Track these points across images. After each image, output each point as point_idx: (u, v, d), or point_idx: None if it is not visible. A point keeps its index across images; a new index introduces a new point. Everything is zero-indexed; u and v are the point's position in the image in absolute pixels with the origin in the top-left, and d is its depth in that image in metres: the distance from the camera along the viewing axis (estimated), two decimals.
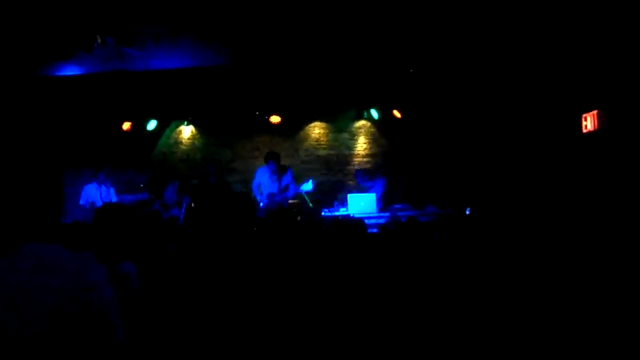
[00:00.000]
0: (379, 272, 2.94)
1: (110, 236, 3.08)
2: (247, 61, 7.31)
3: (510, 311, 2.72)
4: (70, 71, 7.18)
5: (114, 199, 9.03)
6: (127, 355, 1.96)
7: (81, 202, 9.27)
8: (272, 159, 8.24)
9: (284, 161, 9.85)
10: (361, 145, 10.23)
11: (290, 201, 8.53)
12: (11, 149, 8.74)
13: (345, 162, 10.22)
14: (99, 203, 9.13)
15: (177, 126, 10.35)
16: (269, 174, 8.31)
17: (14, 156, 8.78)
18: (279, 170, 8.27)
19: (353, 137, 10.26)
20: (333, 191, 9.96)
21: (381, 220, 7.46)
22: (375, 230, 6.61)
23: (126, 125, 9.77)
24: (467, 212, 7.73)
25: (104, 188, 9.13)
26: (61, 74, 7.22)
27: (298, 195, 8.57)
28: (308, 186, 8.22)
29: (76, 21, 6.22)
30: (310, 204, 8.65)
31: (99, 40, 6.34)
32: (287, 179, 8.31)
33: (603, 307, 2.82)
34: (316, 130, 10.28)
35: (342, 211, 8.30)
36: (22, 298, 1.77)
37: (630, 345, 2.52)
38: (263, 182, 8.39)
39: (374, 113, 9.88)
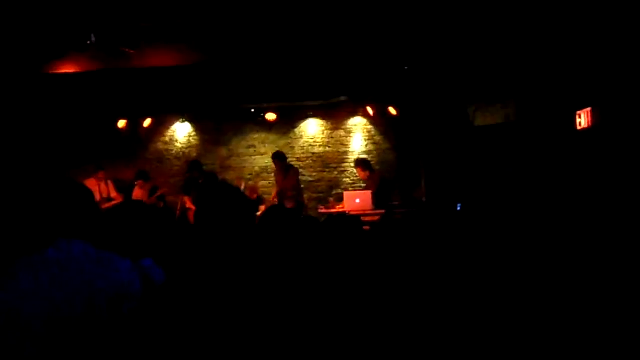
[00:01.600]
0: (371, 267, 2.96)
1: (130, 233, 3.13)
2: (242, 57, 7.31)
3: (502, 307, 2.74)
4: (66, 69, 7.16)
5: (113, 194, 9.06)
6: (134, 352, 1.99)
7: None
8: (274, 158, 8.94)
9: None
10: (357, 142, 10.25)
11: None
12: (32, 149, 8.78)
13: (341, 159, 10.23)
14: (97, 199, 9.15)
15: (172, 124, 10.35)
16: (277, 172, 9.02)
17: (40, 156, 8.82)
18: (283, 169, 8.83)
19: (349, 134, 10.27)
20: (329, 188, 9.99)
21: (377, 218, 7.49)
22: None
23: (122, 123, 9.75)
24: (458, 208, 7.77)
25: (103, 185, 9.18)
26: (56, 71, 7.20)
27: None
28: None
29: (70, 20, 6.21)
30: None
31: (93, 39, 6.33)
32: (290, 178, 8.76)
33: (594, 305, 2.85)
34: (311, 127, 10.29)
35: (338, 208, 8.33)
36: (54, 293, 1.82)
37: (617, 342, 2.54)
38: (277, 180, 9.07)
39: (370, 110, 9.90)
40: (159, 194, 9.28)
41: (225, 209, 2.06)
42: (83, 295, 1.84)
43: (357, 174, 9.13)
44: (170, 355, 1.81)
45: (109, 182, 9.25)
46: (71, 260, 1.89)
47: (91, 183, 9.34)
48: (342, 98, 9.61)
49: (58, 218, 1.97)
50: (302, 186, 9.35)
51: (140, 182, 9.11)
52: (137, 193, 9.04)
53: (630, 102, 5.55)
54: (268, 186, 9.80)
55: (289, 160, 9.53)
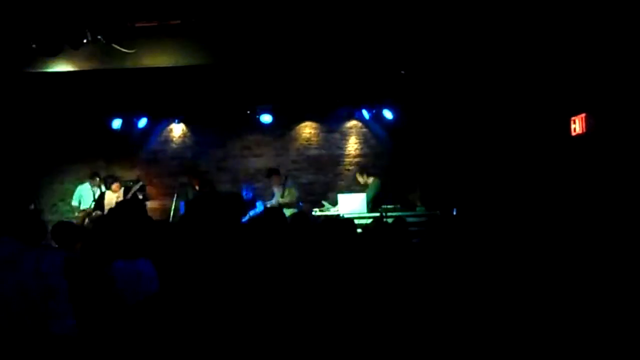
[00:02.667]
0: (363, 269, 2.94)
1: (126, 232, 3.15)
2: (238, 60, 7.29)
3: (495, 310, 2.73)
4: (60, 68, 7.12)
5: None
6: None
7: (74, 202, 9.28)
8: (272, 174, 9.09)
9: (275, 161, 9.92)
10: (352, 145, 10.24)
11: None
12: (21, 148, 8.74)
13: (336, 162, 10.22)
14: (89, 203, 9.13)
15: (168, 124, 10.32)
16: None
17: (28, 156, 8.78)
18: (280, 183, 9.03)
19: (344, 137, 10.26)
20: (323, 191, 9.97)
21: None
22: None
23: (116, 123, 9.72)
24: (454, 213, 7.77)
25: (97, 190, 9.15)
26: (50, 70, 7.16)
27: None
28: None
29: (65, 17, 6.18)
30: None
31: (89, 37, 6.30)
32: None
33: (588, 307, 2.84)
34: (307, 130, 10.28)
35: (332, 211, 8.32)
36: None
37: (609, 341, 2.54)
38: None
39: (365, 113, 9.91)
40: (136, 187, 9.17)
41: (213, 221, 2.04)
42: (13, 289, 1.98)
43: (355, 179, 9.14)
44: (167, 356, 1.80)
45: (105, 188, 9.23)
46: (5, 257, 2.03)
47: (85, 188, 9.32)
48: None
49: None
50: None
51: (114, 185, 9.07)
52: (111, 197, 8.96)
53: (626, 108, 5.56)
54: (265, 188, 9.73)
55: (282, 162, 9.57)
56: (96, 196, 9.08)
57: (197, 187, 9.32)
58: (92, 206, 8.94)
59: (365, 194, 8.32)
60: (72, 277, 2.21)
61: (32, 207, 8.44)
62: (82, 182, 9.41)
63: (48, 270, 2.07)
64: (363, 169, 9.17)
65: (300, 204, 9.06)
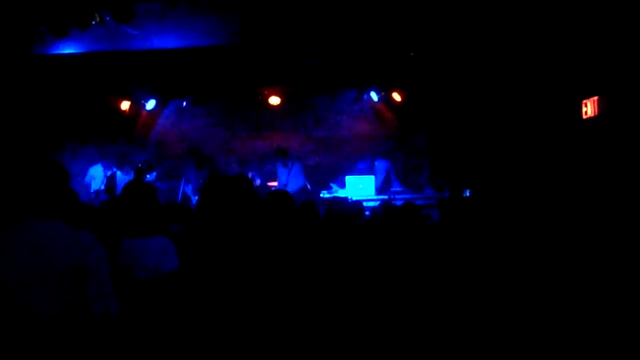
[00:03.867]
0: (370, 256, 2.95)
1: (139, 210, 3.22)
2: (247, 41, 7.24)
3: (506, 298, 2.74)
4: (68, 49, 7.10)
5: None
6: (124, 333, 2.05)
7: (85, 180, 9.35)
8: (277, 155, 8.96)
9: (283, 143, 9.88)
10: (360, 127, 10.19)
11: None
12: (12, 129, 8.72)
13: (345, 143, 10.18)
14: (99, 185, 9.17)
15: (177, 106, 10.31)
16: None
17: (15, 137, 8.78)
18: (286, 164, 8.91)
19: (353, 118, 10.21)
20: (331, 173, 9.95)
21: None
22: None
23: (125, 105, 9.71)
24: (467, 194, 7.74)
25: (108, 171, 9.17)
26: (58, 52, 7.14)
27: None
28: None
29: None
30: None
31: (97, 19, 6.27)
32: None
33: (604, 301, 2.84)
34: (315, 111, 10.23)
35: (340, 193, 8.31)
36: (22, 268, 1.99)
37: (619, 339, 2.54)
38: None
39: (374, 95, 9.84)
40: (150, 176, 9.20)
41: (227, 202, 2.04)
42: (45, 268, 2.00)
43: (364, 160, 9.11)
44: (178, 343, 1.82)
45: (116, 169, 9.23)
46: (37, 237, 2.05)
47: (97, 169, 9.35)
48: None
49: (28, 199, 2.11)
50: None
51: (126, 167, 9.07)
52: (122, 178, 8.94)
53: (639, 91, 5.49)
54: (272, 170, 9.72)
55: (290, 144, 9.54)
56: (107, 176, 9.10)
57: (198, 167, 9.31)
58: (103, 188, 8.97)
59: (373, 177, 8.31)
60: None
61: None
62: (90, 164, 9.43)
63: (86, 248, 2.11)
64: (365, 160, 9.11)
65: (308, 186, 9.04)
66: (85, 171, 9.46)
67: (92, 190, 9.14)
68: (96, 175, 9.25)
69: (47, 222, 2.09)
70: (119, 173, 9.10)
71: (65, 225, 2.10)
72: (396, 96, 9.60)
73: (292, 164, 8.92)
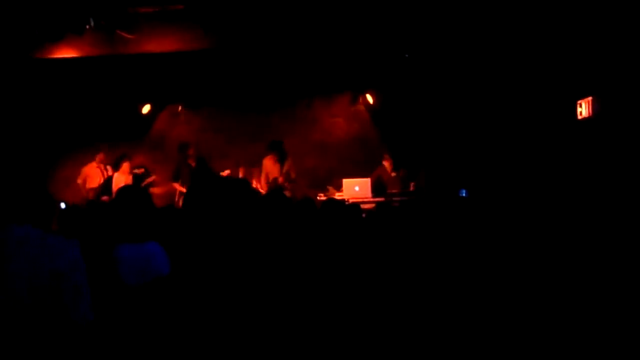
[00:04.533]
0: (367, 255, 2.95)
1: (133, 216, 3.19)
2: (241, 44, 7.25)
3: (501, 297, 2.74)
4: (64, 54, 7.10)
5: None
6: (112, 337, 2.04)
7: (79, 180, 9.33)
8: (271, 149, 8.79)
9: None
10: (356, 129, 10.20)
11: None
12: (11, 128, 8.71)
13: (341, 146, 10.18)
14: (94, 183, 9.15)
15: (172, 110, 10.30)
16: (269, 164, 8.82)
17: (15, 137, 8.76)
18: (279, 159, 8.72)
19: (348, 121, 10.21)
20: (328, 176, 9.94)
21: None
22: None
23: (121, 109, 9.71)
24: (462, 194, 7.76)
25: (103, 168, 9.17)
26: (55, 56, 7.14)
27: None
28: None
29: (68, 3, 6.14)
30: None
31: (92, 24, 6.27)
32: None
33: (600, 300, 2.84)
34: (311, 114, 10.23)
35: (336, 196, 8.30)
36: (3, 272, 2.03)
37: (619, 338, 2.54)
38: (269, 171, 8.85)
39: (369, 98, 9.86)
40: (148, 181, 9.17)
41: (215, 198, 2.04)
42: (26, 272, 2.04)
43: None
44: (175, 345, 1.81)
45: (109, 167, 9.22)
46: (17, 242, 2.08)
47: (91, 167, 9.33)
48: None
49: (8, 207, 2.15)
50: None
51: (124, 165, 9.00)
52: (119, 179, 8.89)
53: (634, 91, 5.51)
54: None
55: (286, 146, 9.51)
56: (104, 176, 9.08)
57: (190, 164, 9.25)
58: (99, 188, 8.93)
59: (370, 179, 8.32)
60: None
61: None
62: (87, 163, 9.42)
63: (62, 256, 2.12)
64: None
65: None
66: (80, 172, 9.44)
67: (87, 189, 9.13)
68: (90, 174, 9.23)
69: (15, 226, 2.11)
70: (116, 175, 9.07)
71: (36, 229, 2.11)
72: (391, 98, 9.61)
73: (284, 160, 8.78)
